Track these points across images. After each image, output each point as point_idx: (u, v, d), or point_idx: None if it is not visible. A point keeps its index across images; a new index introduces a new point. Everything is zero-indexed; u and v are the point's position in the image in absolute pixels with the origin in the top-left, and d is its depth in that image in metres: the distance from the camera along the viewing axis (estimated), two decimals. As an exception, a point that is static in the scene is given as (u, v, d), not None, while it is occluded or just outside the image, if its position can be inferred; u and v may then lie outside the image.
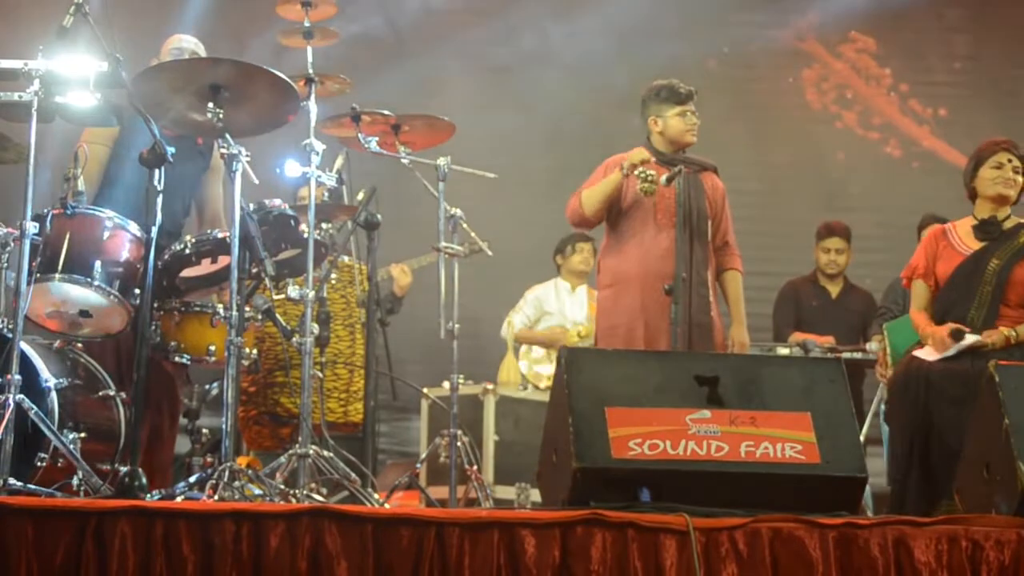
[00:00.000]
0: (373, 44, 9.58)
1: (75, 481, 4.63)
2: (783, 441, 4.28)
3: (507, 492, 7.41)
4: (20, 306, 4.46)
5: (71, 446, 4.73)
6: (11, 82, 4.59)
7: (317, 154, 5.31)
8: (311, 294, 5.18)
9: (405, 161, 5.81)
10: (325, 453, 5.18)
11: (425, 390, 7.44)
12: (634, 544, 3.72)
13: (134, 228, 5.03)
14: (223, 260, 5.17)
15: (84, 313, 5.06)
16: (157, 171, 4.54)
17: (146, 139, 4.57)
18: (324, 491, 5.45)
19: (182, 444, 6.04)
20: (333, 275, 6.49)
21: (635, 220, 5.91)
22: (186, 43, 5.77)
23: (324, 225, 5.78)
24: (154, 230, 4.56)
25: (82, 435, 4.93)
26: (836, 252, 8.11)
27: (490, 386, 7.73)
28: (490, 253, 6.51)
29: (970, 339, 5.31)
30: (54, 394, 4.86)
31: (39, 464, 4.75)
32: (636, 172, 5.72)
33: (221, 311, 5.12)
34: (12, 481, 4.35)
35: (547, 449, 4.50)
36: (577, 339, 8.12)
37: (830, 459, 4.29)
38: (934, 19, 10.44)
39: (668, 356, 5.05)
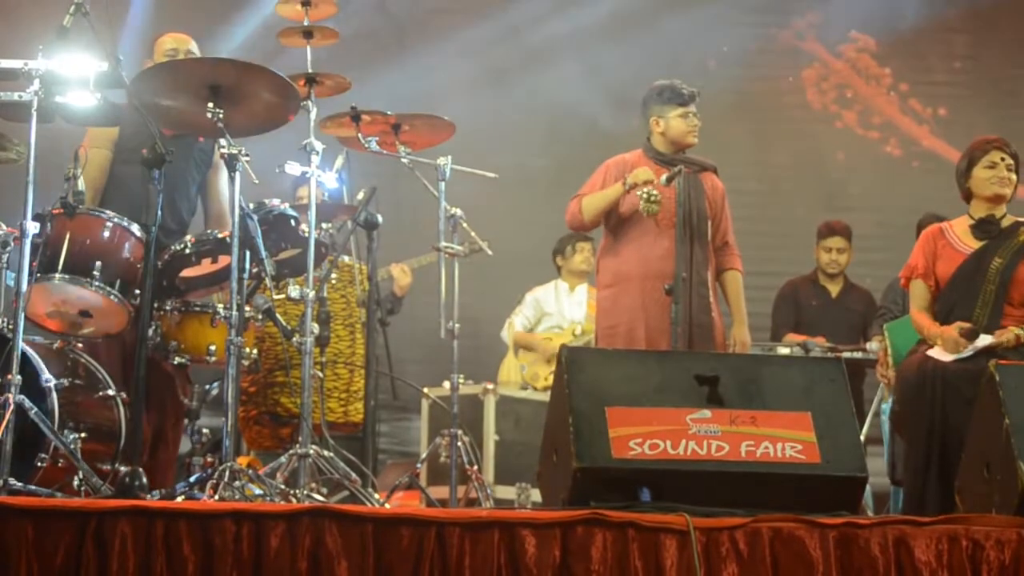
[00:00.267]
0: (373, 43, 9.58)
1: (75, 481, 4.63)
2: (783, 441, 4.27)
3: (507, 492, 7.41)
4: (20, 306, 4.46)
5: (71, 446, 4.73)
6: (11, 82, 4.58)
7: (317, 154, 5.31)
8: (311, 294, 5.18)
9: (405, 161, 5.81)
10: (325, 453, 5.18)
11: (425, 390, 7.44)
12: (634, 544, 3.72)
13: (134, 228, 5.03)
14: (223, 260, 5.16)
15: (84, 313, 5.06)
16: (157, 171, 4.54)
17: (146, 139, 4.58)
18: (324, 491, 5.45)
19: (182, 444, 6.04)
20: (333, 275, 6.49)
21: (635, 221, 5.91)
22: (180, 43, 5.76)
23: (324, 225, 5.78)
24: (154, 230, 4.56)
25: (82, 435, 4.93)
26: (837, 251, 8.11)
27: (490, 386, 7.73)
28: (490, 253, 6.51)
29: (985, 340, 5.28)
30: (54, 394, 4.85)
31: (39, 464, 4.75)
32: (638, 192, 5.72)
33: (221, 311, 5.12)
34: (12, 481, 4.35)
35: (547, 449, 4.50)
36: (572, 337, 8.12)
37: (830, 459, 4.29)
38: (934, 19, 10.43)
39: (668, 356, 5.05)
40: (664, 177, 5.76)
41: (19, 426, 4.42)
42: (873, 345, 7.37)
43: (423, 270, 7.73)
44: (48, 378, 4.87)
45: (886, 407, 6.86)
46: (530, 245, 8.68)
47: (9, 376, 4.37)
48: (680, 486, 4.13)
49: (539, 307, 8.39)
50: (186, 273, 5.26)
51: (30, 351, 4.84)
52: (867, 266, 8.62)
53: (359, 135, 5.70)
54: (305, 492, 4.93)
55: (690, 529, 3.73)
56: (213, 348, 5.25)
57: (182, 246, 5.18)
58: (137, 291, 4.95)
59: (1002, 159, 5.54)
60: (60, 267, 4.90)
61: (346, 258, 6.67)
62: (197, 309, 5.27)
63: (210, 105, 4.86)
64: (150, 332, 4.99)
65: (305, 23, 5.54)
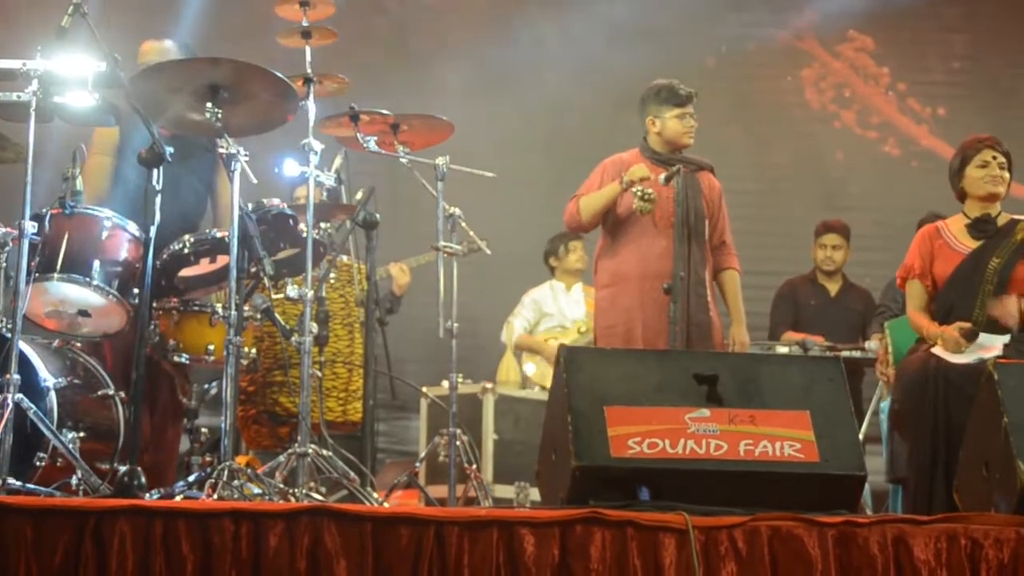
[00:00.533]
0: (372, 43, 9.57)
1: (74, 480, 4.64)
2: (782, 440, 4.28)
3: (506, 491, 7.41)
4: (19, 306, 4.46)
5: (70, 445, 4.74)
6: (10, 82, 4.59)
7: (316, 153, 5.31)
8: (310, 293, 5.18)
9: (404, 160, 5.81)
10: (324, 452, 5.18)
11: (424, 389, 7.44)
12: (633, 543, 3.72)
13: (133, 228, 5.03)
14: (222, 260, 5.17)
15: (83, 313, 5.06)
16: (156, 171, 4.54)
17: (147, 140, 4.58)
18: (323, 490, 5.45)
19: (181, 443, 6.04)
20: (332, 274, 6.48)
21: (633, 221, 5.92)
22: (165, 53, 5.74)
23: (323, 224, 5.78)
24: (152, 229, 4.56)
25: (81, 434, 4.94)
26: (833, 248, 8.11)
27: (489, 385, 7.72)
28: (489, 252, 6.50)
29: (985, 341, 5.27)
30: (53, 394, 4.86)
31: (38, 464, 4.75)
32: (634, 190, 5.72)
33: (220, 310, 5.12)
34: (11, 480, 4.35)
35: (546, 448, 4.50)
36: (578, 335, 8.12)
37: (829, 458, 4.29)
38: (933, 18, 10.43)
39: (667, 355, 5.05)
40: (662, 176, 5.77)
41: (18, 425, 4.43)
42: (873, 344, 7.37)
43: (422, 269, 7.73)
44: (47, 377, 4.87)
45: (885, 406, 6.87)
46: (529, 244, 8.67)
47: (8, 375, 4.38)
48: (679, 485, 4.13)
49: (538, 308, 8.39)
50: (185, 273, 5.26)
51: (29, 351, 4.84)
52: (866, 265, 8.61)
53: (358, 135, 5.70)
54: (304, 491, 4.93)
55: (689, 528, 3.74)
56: (212, 348, 5.26)
57: (180, 246, 5.18)
58: (136, 290, 4.94)
59: (994, 157, 5.54)
60: (59, 267, 4.90)
61: (344, 258, 6.66)
62: (196, 309, 5.27)
63: (208, 105, 4.86)
64: (148, 331, 4.99)
65: (304, 23, 5.54)
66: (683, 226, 5.81)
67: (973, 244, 5.52)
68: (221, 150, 4.87)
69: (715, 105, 8.77)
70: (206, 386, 5.78)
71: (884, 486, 6.81)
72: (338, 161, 5.91)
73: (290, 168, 5.32)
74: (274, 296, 5.85)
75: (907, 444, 5.45)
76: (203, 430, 5.69)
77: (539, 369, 8.19)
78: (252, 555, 3.52)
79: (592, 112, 9.54)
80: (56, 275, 4.90)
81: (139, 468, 4.27)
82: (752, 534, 3.80)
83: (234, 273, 4.87)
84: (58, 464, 4.77)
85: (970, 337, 5.28)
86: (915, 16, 10.34)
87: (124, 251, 5.04)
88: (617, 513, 3.78)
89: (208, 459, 5.36)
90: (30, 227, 4.53)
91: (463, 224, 5.99)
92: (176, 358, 5.25)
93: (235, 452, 5.43)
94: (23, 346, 4.67)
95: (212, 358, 5.27)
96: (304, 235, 5.25)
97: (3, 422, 4.30)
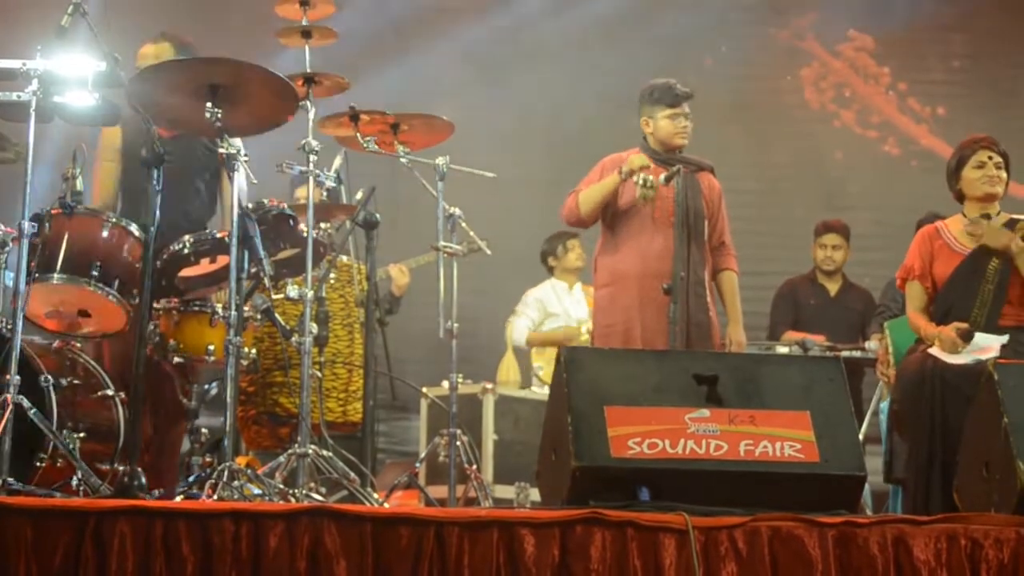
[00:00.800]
0: (372, 43, 9.57)
1: (74, 481, 4.64)
2: (782, 440, 4.27)
3: (506, 491, 7.41)
4: (19, 306, 4.46)
5: (70, 446, 4.73)
6: (9, 82, 4.59)
7: (315, 153, 5.31)
8: (310, 294, 5.18)
9: (403, 160, 5.81)
10: (324, 453, 5.18)
11: (424, 389, 7.44)
12: (633, 543, 3.72)
13: (133, 228, 5.03)
14: (222, 260, 5.17)
15: (83, 313, 5.06)
16: (156, 171, 4.54)
17: (148, 141, 4.58)
18: (323, 491, 5.45)
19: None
20: (332, 275, 6.48)
21: (632, 219, 5.92)
22: (163, 56, 5.73)
23: (323, 225, 5.77)
24: (152, 229, 4.56)
25: (81, 435, 4.93)
26: (833, 248, 8.12)
27: (489, 385, 7.73)
28: (489, 252, 6.50)
29: (982, 341, 5.27)
30: (53, 394, 4.85)
31: (38, 464, 4.75)
32: (635, 178, 5.72)
33: (220, 311, 5.12)
34: (11, 481, 4.35)
35: (546, 448, 4.50)
36: (587, 336, 8.11)
37: (829, 458, 4.28)
38: (932, 18, 10.44)
39: (667, 355, 5.05)
40: (663, 177, 5.77)
41: (18, 426, 4.42)
42: (872, 344, 7.37)
43: (422, 269, 7.73)
44: (47, 378, 4.86)
45: (884, 406, 6.86)
46: (529, 245, 8.68)
47: (8, 376, 4.37)
48: (679, 485, 4.13)
49: (543, 308, 8.39)
50: (185, 273, 5.26)
51: (29, 351, 4.84)
52: (865, 265, 8.62)
53: (358, 135, 5.70)
54: (304, 492, 4.93)
55: (689, 528, 3.74)
56: (212, 348, 5.25)
57: (180, 246, 5.18)
58: (136, 291, 4.94)
59: (990, 157, 5.53)
60: (59, 267, 4.90)
61: (344, 258, 6.66)
62: (196, 309, 5.27)
63: (208, 105, 4.86)
64: (148, 331, 4.99)
65: (304, 23, 5.54)
66: (683, 226, 5.81)
67: (972, 245, 5.51)
68: (221, 150, 4.87)
69: (715, 105, 8.78)
70: (206, 387, 5.77)
71: (884, 486, 6.80)
72: (338, 161, 5.91)
73: (290, 168, 5.32)
74: (274, 296, 5.84)
75: (906, 445, 5.45)
76: (203, 431, 5.69)
77: (548, 369, 8.19)
78: (252, 555, 3.52)
79: (592, 112, 9.54)
80: (56, 275, 4.90)
81: (139, 469, 4.27)
82: (752, 534, 3.80)
83: (234, 273, 4.86)
84: (58, 465, 4.77)
85: (966, 338, 5.28)
86: (915, 15, 10.34)
87: (124, 251, 5.03)
88: (617, 513, 3.78)
89: (208, 460, 5.36)
90: (30, 227, 4.53)
91: (463, 224, 5.99)
92: (176, 358, 5.25)
93: (235, 452, 5.43)
94: (23, 346, 4.67)
95: (212, 358, 5.27)
96: (304, 235, 5.25)
97: (3, 422, 4.30)
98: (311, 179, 5.31)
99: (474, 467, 5.99)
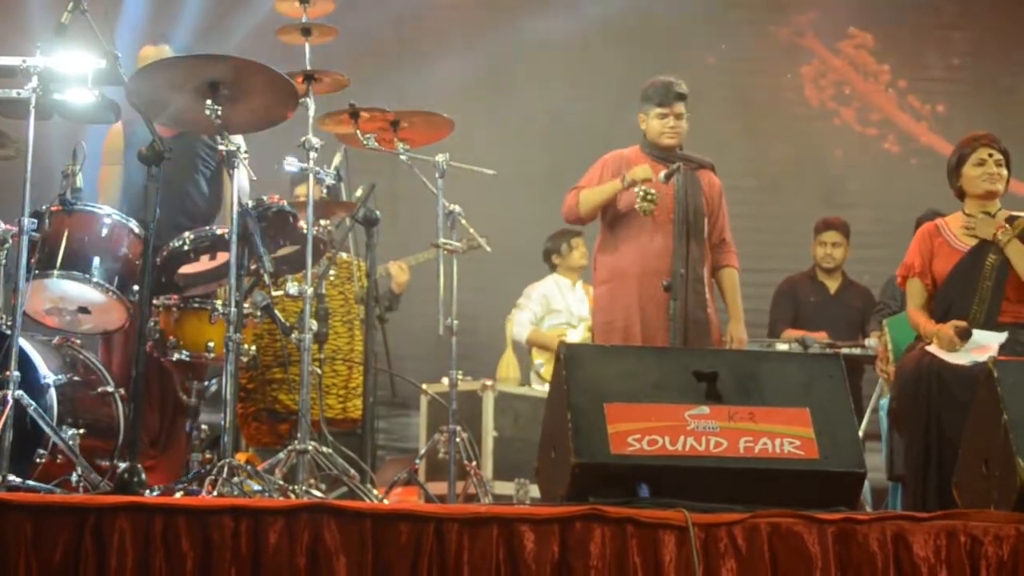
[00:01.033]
0: (372, 40, 9.57)
1: (74, 477, 4.64)
2: (782, 437, 4.27)
3: (506, 488, 7.41)
4: (19, 303, 4.46)
5: (70, 442, 4.74)
6: (9, 79, 4.59)
7: (315, 150, 5.31)
8: (310, 290, 5.18)
9: (403, 158, 5.81)
10: (324, 449, 5.19)
11: (424, 386, 7.44)
12: (633, 540, 3.72)
13: (132, 224, 5.04)
14: (221, 256, 5.17)
15: (83, 310, 5.07)
16: (155, 168, 4.55)
17: (148, 138, 4.59)
18: (323, 487, 5.45)
19: (180, 440, 6.04)
20: (332, 271, 6.48)
21: (632, 217, 5.92)
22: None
23: (323, 222, 5.77)
24: (152, 226, 4.56)
25: (81, 431, 4.94)
26: (833, 246, 8.11)
27: (489, 382, 7.72)
28: (489, 249, 6.50)
29: (981, 339, 5.26)
30: (53, 390, 4.86)
31: (38, 460, 4.76)
32: (636, 190, 5.73)
33: (220, 307, 5.12)
34: (11, 477, 4.35)
35: (546, 445, 4.50)
36: (587, 333, 8.11)
37: (829, 455, 4.28)
38: (932, 15, 10.44)
39: (667, 352, 5.05)
40: (663, 174, 5.78)
41: (18, 422, 4.42)
42: (872, 341, 7.37)
43: (421, 266, 7.72)
44: (46, 374, 4.87)
45: (884, 403, 6.87)
46: (529, 241, 8.67)
47: (8, 372, 4.38)
48: (678, 482, 4.12)
49: (546, 303, 8.38)
50: (185, 269, 5.26)
51: (29, 347, 4.84)
52: (865, 262, 8.61)
53: (358, 132, 5.69)
54: (304, 488, 4.93)
55: (689, 525, 3.74)
56: (212, 344, 5.26)
57: (180, 242, 5.18)
58: (136, 287, 4.94)
59: (990, 155, 5.53)
60: (58, 264, 4.90)
61: (344, 255, 6.66)
62: (196, 305, 5.27)
63: (208, 102, 4.86)
64: (148, 328, 4.99)
65: (304, 20, 5.54)
66: (682, 223, 5.82)
67: (972, 241, 5.51)
68: (221, 147, 4.87)
69: (715, 102, 8.78)
70: (206, 383, 5.78)
71: (884, 483, 6.81)
72: (338, 158, 5.91)
73: (290, 165, 5.32)
74: (274, 293, 5.84)
75: (904, 441, 5.46)
76: (203, 427, 5.69)
77: (548, 367, 8.19)
78: (252, 552, 3.53)
79: (592, 110, 9.53)
80: (56, 272, 4.91)
81: (139, 465, 4.28)
82: (752, 531, 3.80)
83: (234, 270, 4.87)
84: (58, 461, 4.77)
85: (964, 336, 5.28)
86: (915, 13, 10.34)
87: (124, 248, 5.04)
88: (617, 510, 3.78)
89: (208, 456, 5.37)
90: (30, 224, 4.53)
91: (463, 221, 5.99)
92: (176, 355, 5.26)
93: (235, 449, 5.43)
94: (23, 343, 4.67)
95: (212, 355, 5.27)
96: (304, 232, 5.25)
97: (3, 419, 4.30)
98: (311, 176, 5.31)
99: (474, 463, 5.99)
